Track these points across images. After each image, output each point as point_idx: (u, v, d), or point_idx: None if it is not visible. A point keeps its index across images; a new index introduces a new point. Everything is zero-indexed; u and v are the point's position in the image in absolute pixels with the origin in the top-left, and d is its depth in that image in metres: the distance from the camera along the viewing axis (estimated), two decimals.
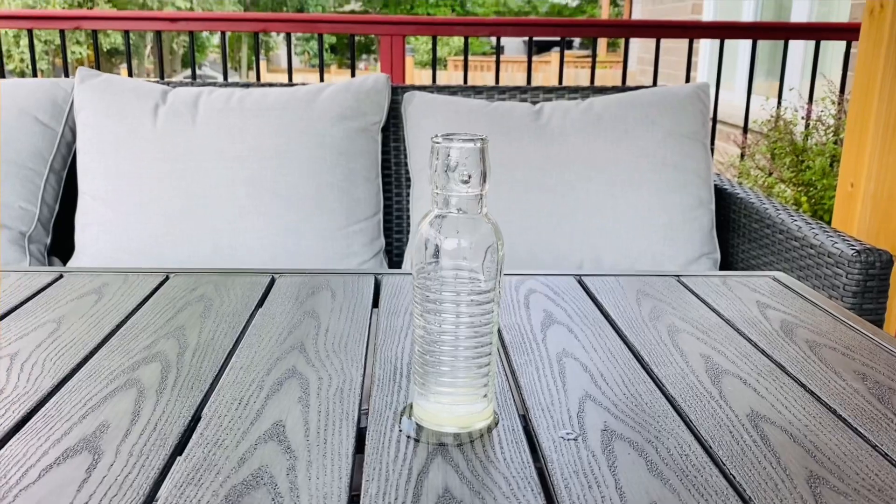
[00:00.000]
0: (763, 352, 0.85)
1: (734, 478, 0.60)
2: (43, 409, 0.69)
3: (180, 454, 0.62)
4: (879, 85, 1.92)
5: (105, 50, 13.24)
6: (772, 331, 0.91)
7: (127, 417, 0.68)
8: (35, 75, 2.87)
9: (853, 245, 1.32)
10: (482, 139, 0.61)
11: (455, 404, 0.66)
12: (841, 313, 0.97)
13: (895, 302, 1.77)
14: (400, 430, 0.67)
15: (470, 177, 0.61)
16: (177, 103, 1.68)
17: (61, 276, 1.06)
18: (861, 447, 0.65)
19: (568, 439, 0.65)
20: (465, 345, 0.64)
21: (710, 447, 0.65)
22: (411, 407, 0.69)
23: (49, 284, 1.03)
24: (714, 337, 0.89)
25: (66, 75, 2.79)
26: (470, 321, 0.64)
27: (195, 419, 0.68)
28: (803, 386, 0.77)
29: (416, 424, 0.67)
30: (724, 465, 0.62)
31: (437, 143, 0.61)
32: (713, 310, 0.98)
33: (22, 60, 12.29)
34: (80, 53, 13.09)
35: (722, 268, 1.74)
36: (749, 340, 0.88)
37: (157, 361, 0.79)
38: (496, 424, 0.68)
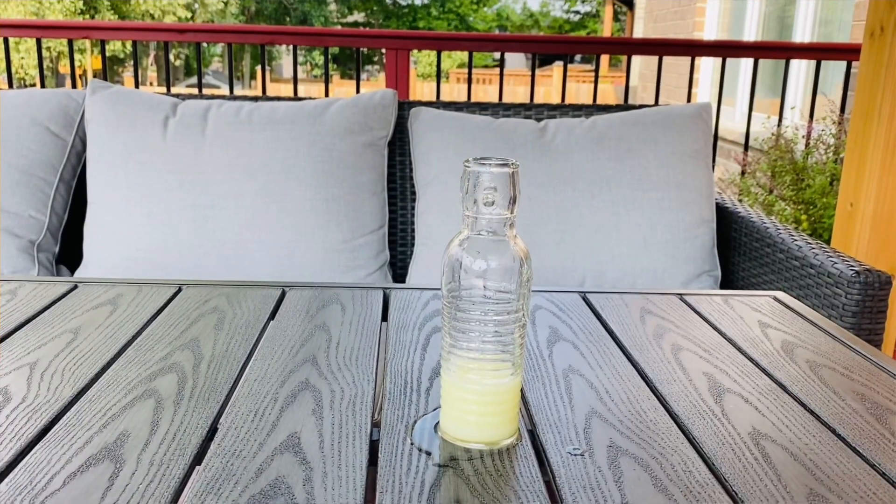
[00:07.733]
0: (764, 371, 0.87)
1: (737, 494, 0.62)
2: (64, 417, 0.71)
3: (199, 464, 0.64)
4: (879, 106, 1.95)
5: (106, 57, 13.33)
6: (773, 350, 0.93)
7: (146, 427, 0.70)
8: (42, 82, 2.90)
9: (853, 265, 1.35)
10: (513, 164, 0.63)
11: (482, 419, 0.67)
12: (840, 334, 0.99)
13: (893, 322, 1.79)
14: (412, 444, 0.68)
15: (495, 201, 0.63)
16: (187, 116, 1.71)
17: (76, 287, 1.08)
18: (860, 466, 0.67)
19: (575, 454, 0.67)
20: (492, 366, 0.66)
21: (713, 464, 0.67)
22: (437, 426, 0.71)
23: (64, 295, 1.05)
24: (716, 355, 0.91)
25: (74, 84, 2.82)
26: (496, 340, 0.66)
27: (212, 430, 0.70)
28: (803, 405, 0.79)
29: (440, 438, 0.68)
30: (727, 481, 0.64)
31: (469, 166, 0.63)
32: (715, 328, 1.00)
33: (22, 67, 12.35)
34: (81, 61, 13.15)
35: (722, 285, 1.76)
36: (750, 359, 0.90)
37: (173, 372, 0.81)
38: (519, 441, 0.70)
